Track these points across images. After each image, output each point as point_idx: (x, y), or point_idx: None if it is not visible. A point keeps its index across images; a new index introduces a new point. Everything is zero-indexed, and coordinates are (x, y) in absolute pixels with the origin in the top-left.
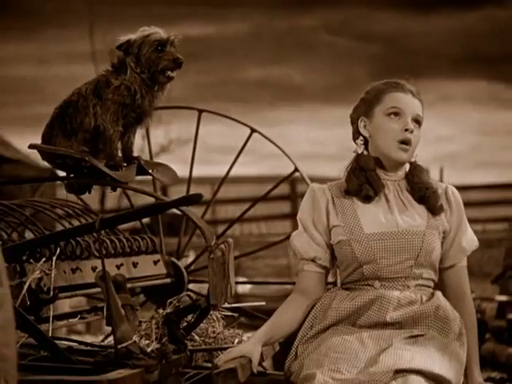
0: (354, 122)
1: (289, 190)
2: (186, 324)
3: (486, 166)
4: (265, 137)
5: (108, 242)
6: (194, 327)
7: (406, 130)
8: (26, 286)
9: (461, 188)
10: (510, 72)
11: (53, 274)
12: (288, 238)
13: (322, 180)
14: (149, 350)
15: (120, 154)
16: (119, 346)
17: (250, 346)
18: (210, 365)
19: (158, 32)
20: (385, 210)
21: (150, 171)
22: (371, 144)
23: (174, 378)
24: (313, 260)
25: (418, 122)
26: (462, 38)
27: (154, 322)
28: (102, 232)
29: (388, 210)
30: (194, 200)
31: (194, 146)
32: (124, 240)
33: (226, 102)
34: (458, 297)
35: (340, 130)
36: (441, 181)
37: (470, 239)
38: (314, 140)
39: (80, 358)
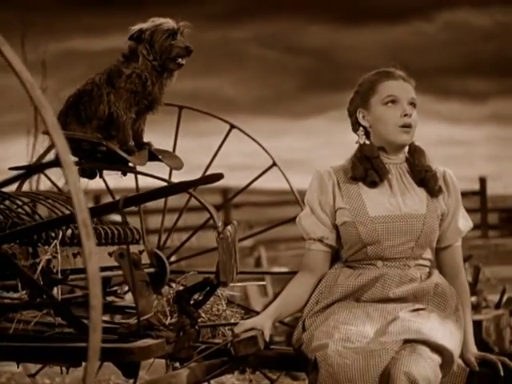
0: (351, 114)
1: (221, 200)
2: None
3: None
4: (244, 132)
5: (102, 231)
6: (202, 304)
7: (405, 115)
8: (39, 267)
9: None
10: (439, 84)
11: (59, 257)
12: (197, 254)
13: (255, 192)
14: (166, 322)
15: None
16: (141, 318)
17: (262, 319)
18: (216, 340)
19: (169, 21)
20: (388, 194)
21: (160, 157)
22: (373, 133)
23: (186, 351)
24: (320, 240)
25: (413, 104)
26: (391, 52)
27: (165, 299)
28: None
29: (391, 193)
30: (215, 179)
31: (174, 143)
32: (114, 229)
33: (158, 113)
34: (453, 274)
35: (271, 142)
36: None
37: (465, 221)
38: (244, 151)
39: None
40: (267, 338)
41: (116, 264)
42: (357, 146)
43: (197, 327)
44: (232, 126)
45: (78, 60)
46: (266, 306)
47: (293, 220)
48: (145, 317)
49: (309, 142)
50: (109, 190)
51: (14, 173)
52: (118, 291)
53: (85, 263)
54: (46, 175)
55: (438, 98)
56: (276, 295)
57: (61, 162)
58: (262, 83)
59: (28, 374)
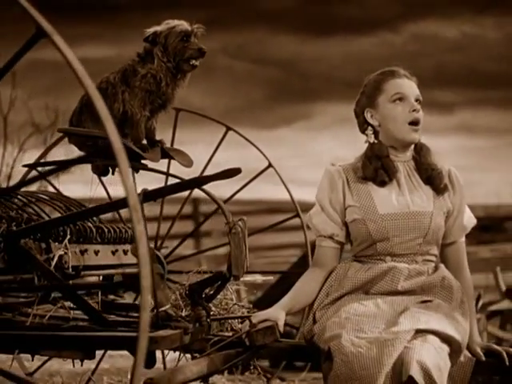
0: (359, 115)
1: (191, 210)
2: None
3: None
4: (240, 134)
5: (106, 230)
6: (213, 297)
7: (414, 110)
8: (54, 261)
9: None
10: None
11: (69, 253)
12: (198, 253)
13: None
14: (183, 314)
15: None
16: (160, 310)
17: (276, 311)
18: (225, 333)
19: (183, 24)
20: (396, 192)
21: (172, 154)
22: (382, 131)
23: (199, 343)
24: (330, 237)
25: (419, 101)
26: (357, 63)
27: (178, 293)
28: (95, 220)
29: (399, 192)
30: (233, 173)
31: (171, 145)
32: (117, 229)
33: None
34: (457, 269)
35: (240, 151)
36: None
37: (469, 218)
38: (214, 161)
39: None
40: (281, 329)
41: (118, 262)
42: (366, 145)
43: (208, 320)
44: (228, 128)
45: (47, 70)
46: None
47: (266, 229)
48: (163, 308)
49: (277, 152)
50: (107, 192)
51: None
52: None
53: (136, 244)
54: (46, 179)
55: None
56: (250, 302)
57: (114, 149)
58: (230, 94)
59: (26, 373)
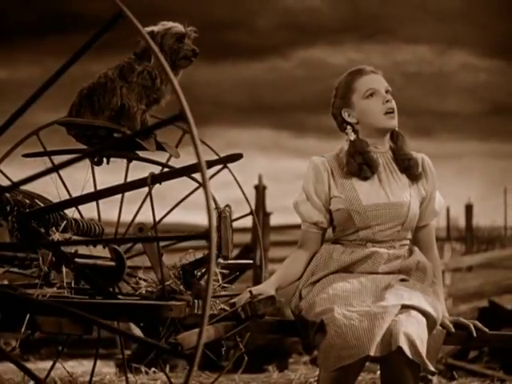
0: (336, 116)
1: None
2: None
3: (270, 210)
4: (194, 137)
5: (80, 223)
6: (203, 276)
7: (387, 101)
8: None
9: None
10: (295, 121)
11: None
12: (168, 245)
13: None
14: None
15: None
16: (166, 283)
17: (266, 286)
18: (212, 312)
19: (177, 26)
20: (377, 184)
21: (164, 146)
22: (361, 127)
23: (193, 318)
24: (315, 223)
25: (388, 92)
26: (247, 88)
27: (171, 273)
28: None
29: (380, 184)
30: (235, 158)
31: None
32: (87, 223)
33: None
34: (428, 249)
35: (131, 175)
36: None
37: (440, 202)
38: (107, 183)
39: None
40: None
41: (89, 253)
42: (347, 142)
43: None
44: (185, 132)
45: None
46: None
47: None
48: (168, 282)
49: None
50: (66, 188)
51: None
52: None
53: (207, 202)
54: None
55: (295, 134)
56: None
57: (185, 116)
58: None
59: None
